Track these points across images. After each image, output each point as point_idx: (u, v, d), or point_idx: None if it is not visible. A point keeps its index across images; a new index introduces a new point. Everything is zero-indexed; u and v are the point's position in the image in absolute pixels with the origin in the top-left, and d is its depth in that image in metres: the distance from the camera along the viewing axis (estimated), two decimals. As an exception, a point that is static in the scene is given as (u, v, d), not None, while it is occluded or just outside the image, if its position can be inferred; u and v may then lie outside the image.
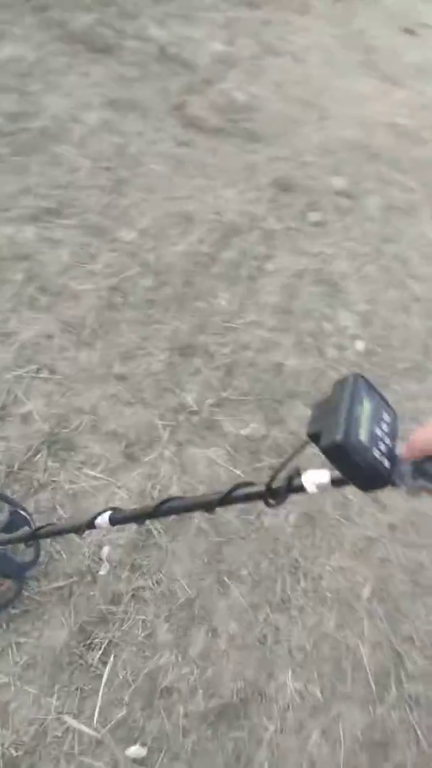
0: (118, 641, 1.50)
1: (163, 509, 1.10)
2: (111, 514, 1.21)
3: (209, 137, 3.77)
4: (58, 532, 1.29)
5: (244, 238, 2.99)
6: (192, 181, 3.33)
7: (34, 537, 1.29)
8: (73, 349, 2.18)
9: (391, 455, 0.78)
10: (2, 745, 1.27)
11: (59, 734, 1.32)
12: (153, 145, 3.54)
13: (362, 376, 0.84)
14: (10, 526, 1.50)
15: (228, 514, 1.84)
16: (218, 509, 0.99)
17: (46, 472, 1.76)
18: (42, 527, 1.29)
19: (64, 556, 1.61)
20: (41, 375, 2.04)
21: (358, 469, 0.76)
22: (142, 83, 4.10)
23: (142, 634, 1.52)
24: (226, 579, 1.69)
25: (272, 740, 1.44)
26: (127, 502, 1.75)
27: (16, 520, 1.52)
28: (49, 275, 2.46)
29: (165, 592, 1.62)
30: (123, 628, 1.52)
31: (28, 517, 1.51)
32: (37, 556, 1.52)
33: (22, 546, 1.49)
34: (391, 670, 1.66)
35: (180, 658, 1.51)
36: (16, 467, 1.74)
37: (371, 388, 0.84)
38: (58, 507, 1.69)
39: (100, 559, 1.62)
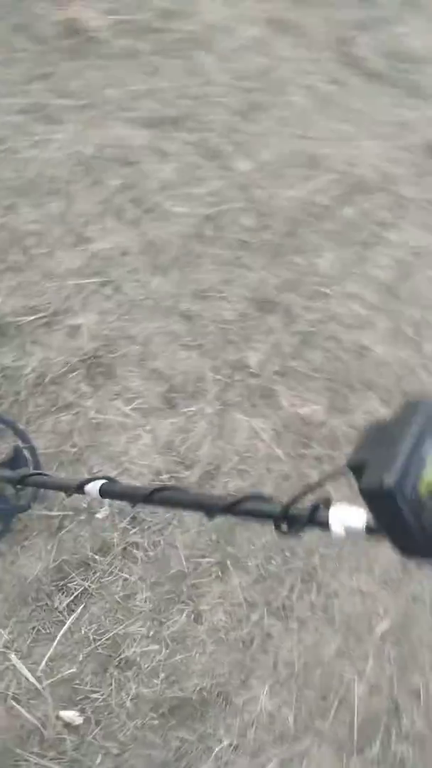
0: (93, 593, 1.38)
1: (156, 497, 0.93)
2: (104, 484, 1.06)
3: (366, 81, 3.37)
4: (45, 485, 1.16)
5: (371, 198, 2.66)
6: (333, 124, 2.99)
7: (20, 483, 1.16)
8: (146, 273, 2.01)
9: None
10: None
11: None
12: (302, 76, 3.21)
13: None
14: (14, 461, 1.40)
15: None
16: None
17: (75, 393, 1.64)
18: (32, 475, 1.17)
19: (65, 486, 1.49)
20: (104, 290, 1.90)
21: (404, 530, 0.55)
22: (313, 8, 3.71)
23: (120, 594, 1.40)
24: (229, 564, 1.53)
25: (222, 755, 1.29)
26: (148, 449, 1.61)
27: (20, 457, 1.42)
28: (147, 189, 2.29)
29: (159, 557, 1.48)
30: (102, 580, 1.40)
31: (30, 458, 1.40)
32: (32, 501, 1.40)
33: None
34: (383, 721, 1.45)
35: (151, 633, 1.37)
36: (47, 380, 1.63)
37: None
38: (75, 433, 1.57)
39: (101, 501, 1.49)
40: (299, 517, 0.72)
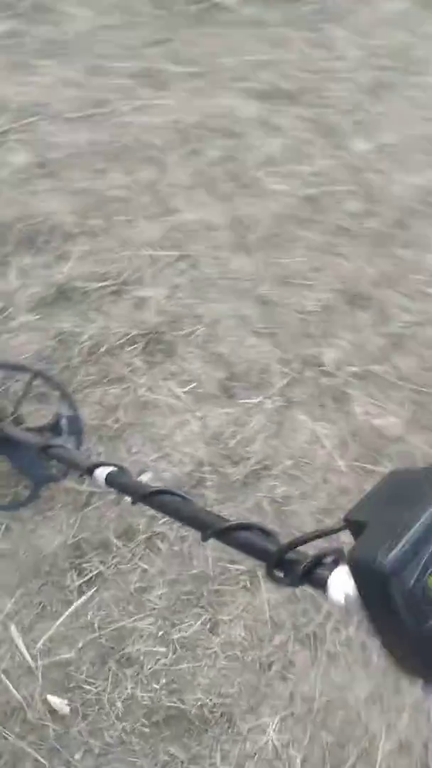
0: (108, 578, 1.31)
1: (155, 500, 0.82)
2: (112, 471, 0.97)
3: None
4: (61, 460, 1.09)
5: None
6: (471, 107, 2.68)
7: (42, 452, 1.10)
8: (229, 251, 1.90)
9: None
10: None
11: (-2, 639, 1.20)
12: (445, 52, 2.91)
13: None
14: (54, 428, 1.36)
15: (302, 507, 1.50)
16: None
17: (129, 368, 1.57)
18: (51, 446, 1.12)
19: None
20: (179, 265, 1.82)
21: (397, 629, 0.40)
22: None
23: (136, 585, 1.32)
24: (260, 575, 1.39)
25: (212, 783, 1.18)
26: (194, 437, 1.51)
27: (59, 425, 1.37)
28: (247, 162, 2.17)
29: (184, 553, 1.38)
30: (120, 567, 1.33)
31: (67, 427, 1.34)
32: (63, 475, 1.35)
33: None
34: (411, 789, 1.26)
35: (161, 633, 1.28)
36: (102, 350, 1.58)
37: None
38: (120, 409, 1.51)
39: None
40: (294, 568, 0.58)
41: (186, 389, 1.59)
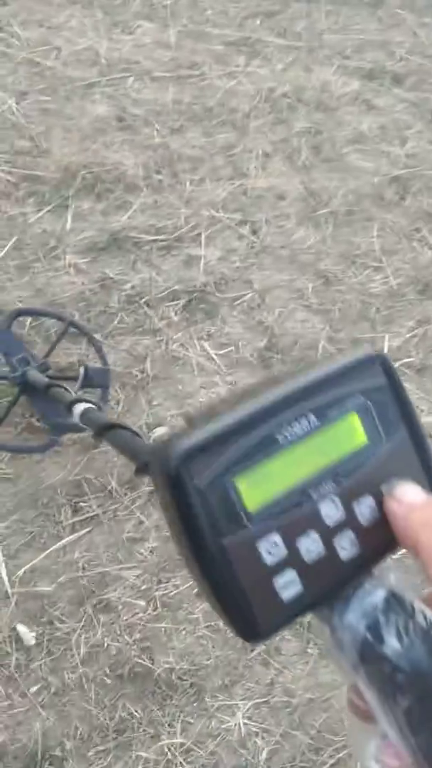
0: (103, 522, 1.29)
1: (109, 434, 0.80)
2: (87, 408, 0.94)
3: None
4: (55, 397, 1.08)
5: None
6: None
7: (66, 407, 1.07)
8: (295, 222, 1.83)
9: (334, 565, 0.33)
10: None
11: (-19, 558, 1.21)
12: None
13: (383, 360, 0.35)
14: (83, 379, 1.35)
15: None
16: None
17: (165, 321, 1.55)
18: (54, 385, 1.11)
19: (120, 408, 1.42)
20: (240, 229, 1.77)
21: (186, 541, 0.32)
22: None
23: (129, 534, 1.29)
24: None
25: (168, 751, 1.12)
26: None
27: (89, 376, 1.36)
28: (335, 137, 2.08)
29: (185, 514, 1.33)
30: (117, 514, 1.31)
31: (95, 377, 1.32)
32: (76, 431, 1.33)
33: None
34: None
35: (144, 587, 1.24)
36: (143, 300, 1.57)
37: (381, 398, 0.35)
38: (148, 360, 1.48)
39: (149, 436, 1.39)
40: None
41: (221, 352, 1.54)
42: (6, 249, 1.60)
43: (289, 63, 2.27)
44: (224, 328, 1.59)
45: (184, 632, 1.22)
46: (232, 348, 1.56)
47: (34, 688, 1.13)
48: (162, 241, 1.68)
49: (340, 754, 1.17)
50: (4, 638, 1.15)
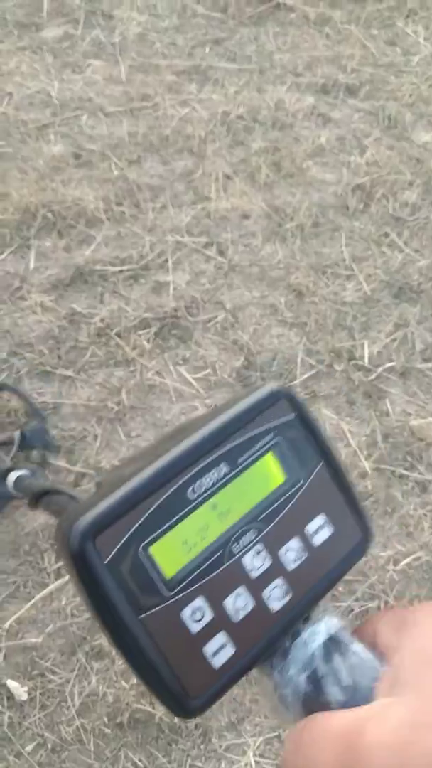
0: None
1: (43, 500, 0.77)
2: (20, 476, 0.91)
3: None
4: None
5: None
6: None
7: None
8: (262, 239, 1.85)
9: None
10: None
11: (-36, 614, 1.18)
12: None
13: (287, 397, 0.34)
14: (26, 445, 1.33)
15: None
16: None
17: (138, 350, 1.54)
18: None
19: (98, 443, 1.40)
20: (206, 251, 1.78)
21: (107, 622, 0.30)
22: None
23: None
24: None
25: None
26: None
27: (32, 438, 1.34)
28: (294, 153, 2.12)
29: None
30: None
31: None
32: (19, 498, 1.30)
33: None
34: None
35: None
36: (113, 332, 1.57)
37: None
38: (124, 391, 1.47)
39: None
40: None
41: (198, 375, 1.54)
42: (-29, 295, 1.60)
43: (242, 86, 2.33)
44: (199, 351, 1.58)
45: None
46: (209, 370, 1.55)
47: (29, 747, 1.08)
48: (128, 270, 1.69)
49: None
50: (-6, 696, 1.11)
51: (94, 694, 1.14)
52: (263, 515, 0.32)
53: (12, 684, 1.12)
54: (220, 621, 0.30)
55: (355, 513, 0.34)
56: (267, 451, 0.32)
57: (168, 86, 2.23)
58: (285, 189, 2.02)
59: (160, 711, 1.13)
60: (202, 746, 1.13)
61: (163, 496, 0.30)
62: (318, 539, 0.32)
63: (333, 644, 0.31)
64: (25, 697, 1.12)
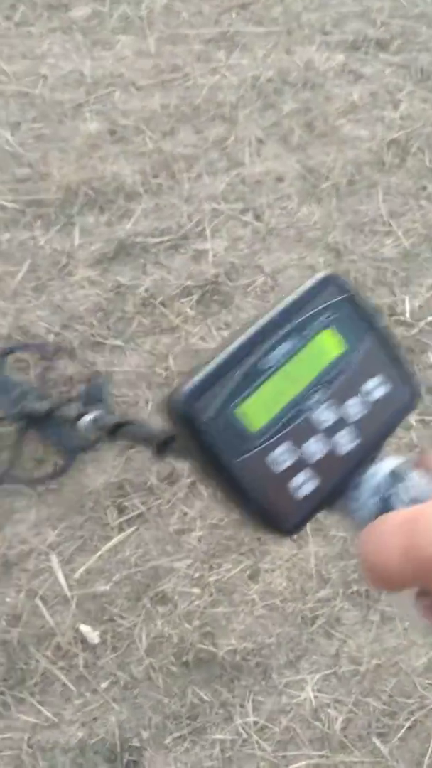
0: (149, 518, 1.33)
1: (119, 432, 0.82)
2: (94, 417, 0.96)
3: None
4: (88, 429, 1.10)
5: None
6: None
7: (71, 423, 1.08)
8: (298, 201, 1.84)
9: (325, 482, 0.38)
10: (-11, 544, 1.27)
11: (37, 567, 1.26)
12: None
13: (339, 279, 0.40)
14: (82, 398, 1.39)
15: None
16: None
17: (181, 317, 1.58)
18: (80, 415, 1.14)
19: (149, 407, 1.46)
20: (243, 217, 1.79)
21: (212, 470, 0.37)
22: None
23: (175, 527, 1.32)
24: (308, 529, 1.33)
25: (243, 731, 1.14)
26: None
27: (93, 392, 1.40)
28: (326, 112, 2.09)
29: (228, 499, 1.35)
30: (161, 509, 1.34)
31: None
32: (93, 444, 1.37)
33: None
34: None
35: (197, 575, 1.27)
36: (157, 301, 1.61)
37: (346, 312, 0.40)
38: (170, 357, 1.52)
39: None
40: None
41: (241, 338, 1.56)
42: (22, 273, 1.66)
43: (270, 48, 2.29)
44: (240, 315, 1.61)
45: (242, 614, 1.24)
46: (252, 333, 1.57)
47: (104, 684, 1.17)
48: (168, 241, 1.72)
49: (416, 716, 1.17)
50: (70, 640, 1.19)
51: (160, 636, 1.21)
52: (328, 377, 0.38)
53: (85, 628, 1.20)
54: (300, 462, 0.37)
55: (404, 375, 0.40)
56: (326, 326, 0.39)
57: (197, 55, 2.22)
58: (319, 149, 2.00)
59: (222, 650, 1.20)
60: (263, 682, 1.19)
61: (244, 367, 0.37)
62: (375, 396, 0.39)
63: (396, 474, 0.37)
64: (97, 640, 1.20)
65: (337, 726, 1.15)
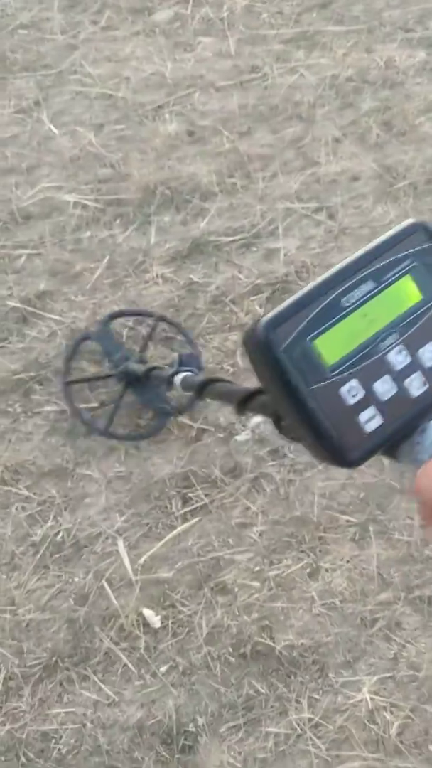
0: (212, 510, 1.35)
1: (207, 388, 0.85)
2: (185, 376, 1.01)
3: None
4: (160, 379, 1.15)
5: None
6: None
7: (166, 382, 1.15)
8: (373, 200, 1.81)
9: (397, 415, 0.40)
10: (58, 532, 1.33)
11: (105, 550, 1.31)
12: None
13: (424, 228, 0.41)
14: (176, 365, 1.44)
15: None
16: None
17: (250, 315, 1.59)
18: (156, 368, 1.19)
19: (214, 402, 1.48)
20: (316, 216, 1.78)
21: (284, 396, 0.40)
22: None
23: (237, 520, 1.34)
24: (371, 529, 1.31)
25: (298, 726, 1.14)
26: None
27: (187, 362, 1.45)
28: (406, 111, 2.04)
29: (290, 497, 1.36)
30: (224, 502, 1.36)
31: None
32: (184, 409, 1.43)
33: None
34: None
35: (257, 569, 1.28)
36: (227, 299, 1.63)
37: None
38: (238, 354, 1.53)
39: (244, 426, 1.44)
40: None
41: (310, 337, 1.56)
42: (100, 269, 1.72)
43: (350, 47, 2.26)
44: (311, 315, 1.61)
45: (300, 610, 1.24)
46: (321, 332, 1.57)
47: (163, 668, 1.20)
48: (240, 239, 1.74)
49: None
50: (133, 622, 1.23)
51: (219, 625, 1.23)
52: (404, 323, 0.39)
53: (147, 612, 1.24)
54: (371, 398, 0.38)
55: None
56: (406, 272, 0.39)
57: (276, 55, 2.22)
58: (397, 148, 1.96)
59: (279, 644, 1.21)
60: (319, 680, 1.19)
61: (324, 302, 0.38)
62: None
63: None
64: (158, 624, 1.23)
65: (393, 731, 1.13)
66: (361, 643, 1.21)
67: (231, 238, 1.74)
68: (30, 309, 1.65)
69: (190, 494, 1.37)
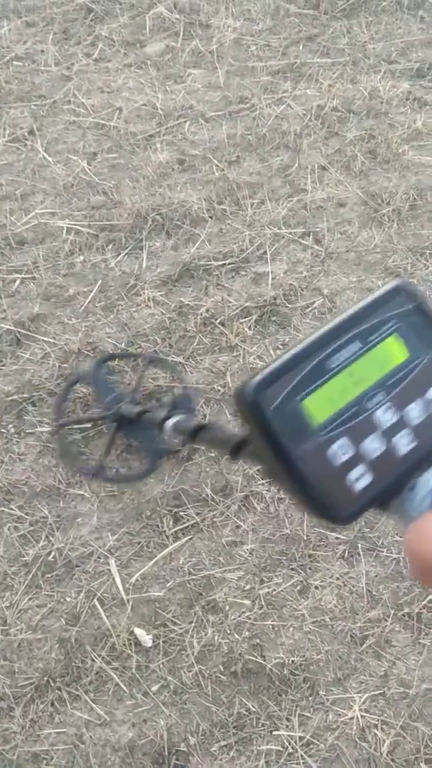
0: (203, 529, 1.36)
1: (198, 436, 0.87)
2: (177, 420, 1.02)
3: None
4: (150, 421, 1.17)
5: None
6: None
7: (158, 425, 1.16)
8: (358, 225, 1.86)
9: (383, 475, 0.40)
10: (50, 551, 1.34)
11: (96, 569, 1.32)
12: None
13: (408, 289, 0.42)
14: (175, 407, 1.46)
15: None
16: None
17: (240, 337, 1.62)
18: (146, 411, 1.21)
19: (206, 421, 1.49)
20: (303, 241, 1.82)
21: (273, 455, 0.40)
22: None
23: (228, 539, 1.35)
24: (360, 548, 1.33)
25: (288, 745, 1.14)
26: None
27: (181, 403, 1.47)
28: (390, 140, 2.10)
29: (280, 516, 1.37)
30: (215, 520, 1.37)
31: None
32: (177, 449, 1.44)
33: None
34: None
35: (247, 587, 1.29)
36: (217, 321, 1.66)
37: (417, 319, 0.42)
38: (228, 374, 1.56)
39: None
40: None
41: (298, 358, 1.59)
42: (93, 293, 1.75)
43: (336, 78, 2.34)
44: (298, 336, 1.64)
45: (291, 628, 1.25)
46: (309, 353, 1.60)
47: (155, 687, 1.20)
48: (230, 264, 1.77)
49: (466, 745, 1.14)
50: (124, 641, 1.23)
51: (210, 644, 1.23)
52: (391, 381, 0.40)
53: (139, 631, 1.24)
54: (359, 457, 0.39)
55: None
56: (391, 333, 0.40)
57: (264, 87, 2.29)
58: (381, 175, 2.01)
59: (270, 663, 1.21)
60: (310, 698, 1.19)
61: (311, 364, 0.39)
62: None
63: None
64: (150, 643, 1.23)
65: (384, 749, 1.13)
66: (351, 661, 1.22)
67: (220, 263, 1.78)
68: (24, 332, 1.67)
69: (182, 513, 1.38)
